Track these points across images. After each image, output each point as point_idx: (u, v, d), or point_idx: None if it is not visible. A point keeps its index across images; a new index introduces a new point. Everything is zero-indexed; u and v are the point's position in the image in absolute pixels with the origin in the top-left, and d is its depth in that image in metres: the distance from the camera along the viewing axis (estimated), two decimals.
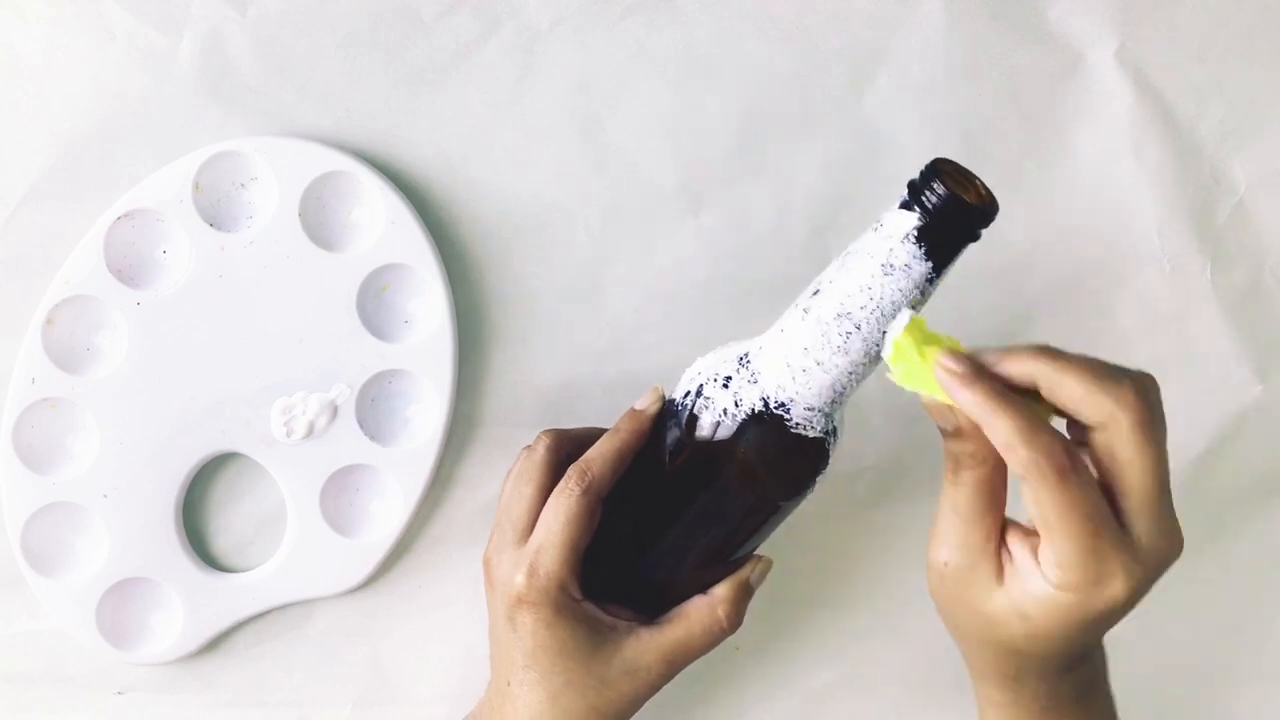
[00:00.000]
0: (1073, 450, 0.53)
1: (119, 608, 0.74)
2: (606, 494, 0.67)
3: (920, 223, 0.57)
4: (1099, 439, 0.54)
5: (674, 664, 0.68)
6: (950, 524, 0.58)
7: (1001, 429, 0.53)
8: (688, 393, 0.65)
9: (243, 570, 0.76)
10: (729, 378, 0.63)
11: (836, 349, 0.60)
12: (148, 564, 0.74)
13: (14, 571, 0.74)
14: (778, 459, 0.64)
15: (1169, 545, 0.56)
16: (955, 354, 0.56)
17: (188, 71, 0.72)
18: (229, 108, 0.72)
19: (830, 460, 0.65)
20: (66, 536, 0.74)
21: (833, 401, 0.62)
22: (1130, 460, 0.54)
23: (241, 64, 0.72)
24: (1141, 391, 0.54)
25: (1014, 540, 0.57)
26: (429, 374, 0.74)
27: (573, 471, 0.67)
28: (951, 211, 0.57)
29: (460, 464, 0.77)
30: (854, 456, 0.78)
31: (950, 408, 0.56)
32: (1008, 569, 0.57)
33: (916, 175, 0.58)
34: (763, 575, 0.70)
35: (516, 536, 0.67)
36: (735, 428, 0.63)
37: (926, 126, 0.77)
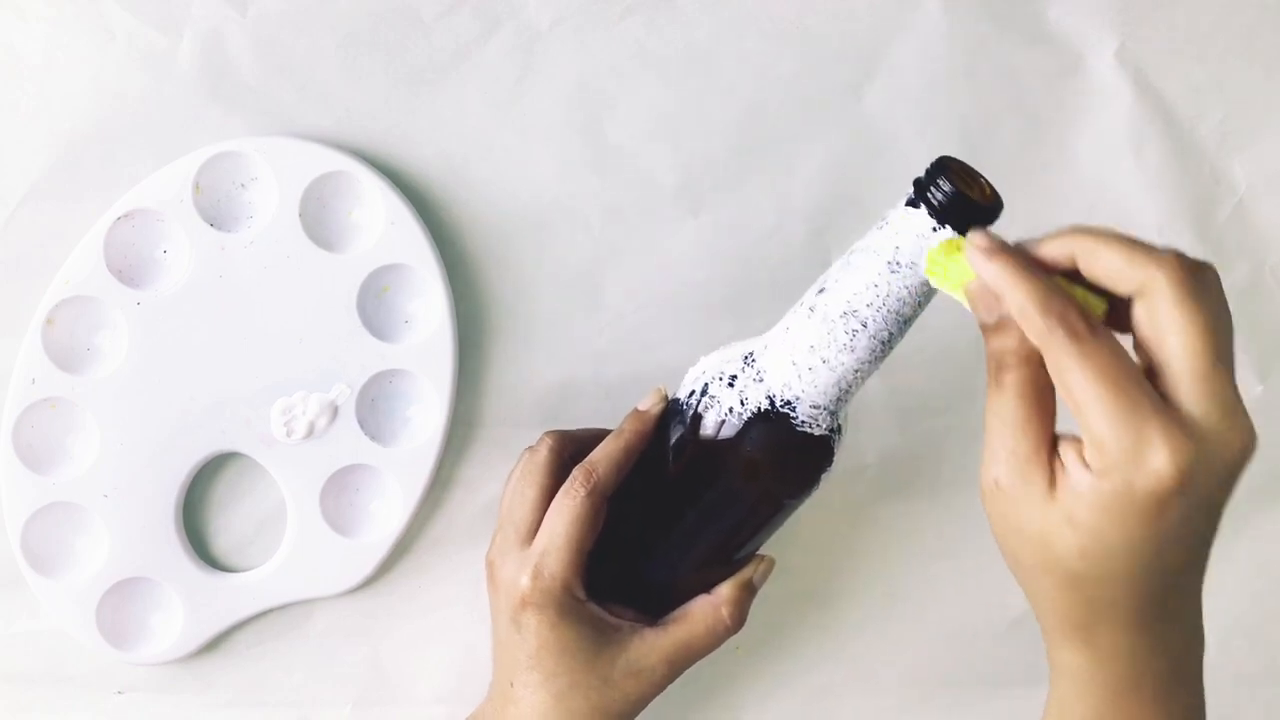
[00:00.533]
0: (1092, 316, 0.50)
1: (119, 608, 0.74)
2: (611, 495, 0.67)
3: (927, 219, 0.57)
4: (1140, 313, 0.50)
5: (678, 664, 0.68)
6: (998, 436, 0.53)
7: (1018, 297, 0.50)
8: (692, 392, 0.66)
9: (243, 570, 0.76)
10: (734, 376, 0.64)
11: (843, 347, 0.60)
12: (148, 564, 0.74)
13: (14, 571, 0.74)
14: (783, 457, 0.64)
15: (1232, 429, 0.49)
16: (982, 232, 0.53)
17: (188, 71, 0.72)
18: (229, 108, 0.72)
19: (835, 458, 0.65)
20: (66, 536, 0.74)
21: (838, 399, 0.62)
22: (1171, 324, 0.49)
23: (241, 64, 0.72)
24: (1184, 258, 0.50)
25: (1066, 448, 0.51)
26: (429, 374, 0.74)
27: (577, 473, 0.67)
28: (958, 208, 0.57)
29: (460, 464, 0.77)
30: (855, 454, 0.78)
31: (995, 296, 0.52)
32: (1059, 479, 0.51)
33: (922, 173, 0.58)
34: (765, 575, 0.70)
35: (520, 538, 0.67)
36: (740, 426, 0.63)
37: (926, 127, 0.77)
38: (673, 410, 0.67)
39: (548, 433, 0.70)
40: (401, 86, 0.73)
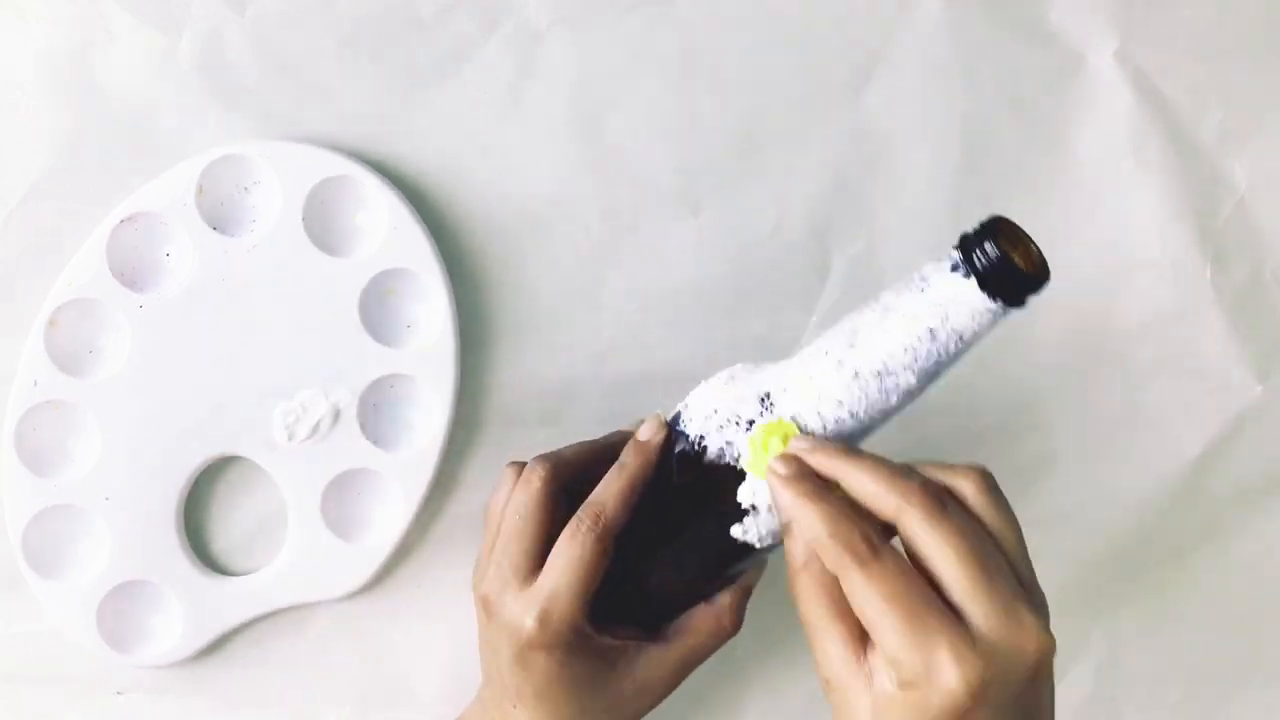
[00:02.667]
0: (878, 537, 0.53)
1: (120, 610, 0.74)
2: (619, 530, 0.65)
3: (974, 290, 0.56)
4: (903, 536, 0.54)
5: (684, 673, 0.68)
6: (814, 639, 0.56)
7: (807, 525, 0.54)
8: (702, 434, 0.63)
9: (244, 574, 0.76)
10: (751, 421, 0.62)
11: (875, 404, 0.59)
12: (149, 566, 0.74)
13: (15, 573, 0.74)
14: None
15: (1020, 634, 0.52)
16: (786, 456, 0.57)
17: (188, 72, 0.72)
18: (229, 108, 0.72)
19: None
20: (68, 539, 0.73)
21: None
22: (929, 548, 0.53)
23: (241, 65, 0.72)
24: (929, 485, 0.54)
25: (873, 651, 0.54)
26: (431, 379, 0.74)
27: (584, 514, 0.64)
28: (1004, 277, 0.56)
29: (461, 466, 0.77)
30: None
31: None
32: (873, 680, 0.53)
33: (971, 233, 0.56)
34: (758, 576, 0.70)
35: (520, 577, 0.65)
36: None
37: (926, 127, 0.77)
38: (678, 442, 0.65)
39: (539, 460, 0.68)
40: (401, 87, 0.73)
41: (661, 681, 0.67)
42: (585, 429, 0.76)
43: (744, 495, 0.61)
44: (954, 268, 0.57)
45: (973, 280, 0.56)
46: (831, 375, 0.60)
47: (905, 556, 0.54)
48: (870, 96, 0.76)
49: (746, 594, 0.69)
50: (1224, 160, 0.78)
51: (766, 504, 0.61)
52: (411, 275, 0.73)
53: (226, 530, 0.76)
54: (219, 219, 0.72)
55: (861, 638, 0.54)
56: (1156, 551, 0.82)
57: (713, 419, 0.63)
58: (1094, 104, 0.77)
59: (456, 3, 0.73)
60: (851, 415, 0.59)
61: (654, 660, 0.67)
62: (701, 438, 0.63)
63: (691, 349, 0.77)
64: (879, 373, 0.58)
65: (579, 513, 0.65)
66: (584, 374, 0.77)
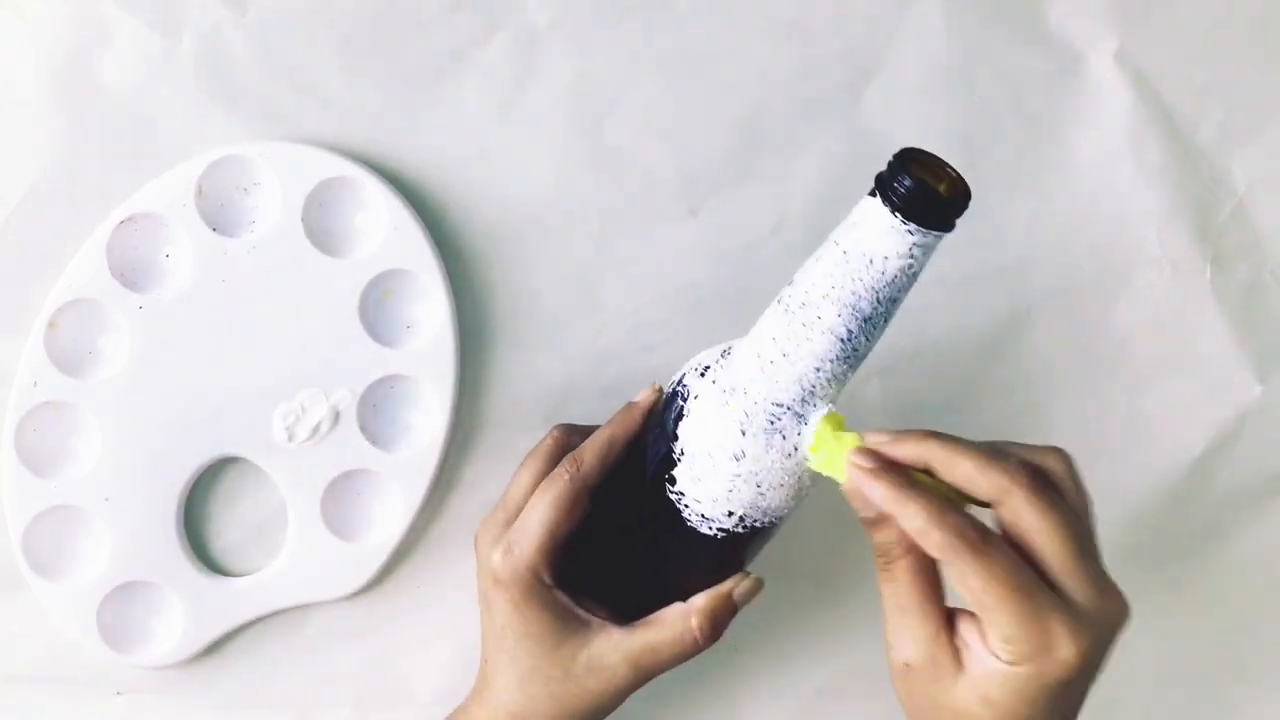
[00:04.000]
0: (982, 525, 0.55)
1: (120, 611, 0.74)
2: (595, 484, 0.66)
3: (886, 213, 0.55)
4: (1004, 516, 0.56)
5: (641, 669, 0.66)
6: (899, 622, 0.58)
7: (912, 516, 0.55)
8: (673, 383, 0.65)
9: (244, 574, 0.76)
10: (707, 368, 0.63)
11: (801, 340, 0.58)
12: (149, 567, 0.74)
13: (15, 574, 0.74)
14: None
15: (1110, 604, 0.56)
16: (864, 450, 0.57)
17: (188, 73, 0.72)
18: (229, 109, 0.72)
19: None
20: (68, 539, 0.74)
21: (801, 399, 0.60)
22: (1036, 529, 0.55)
23: (241, 65, 0.72)
24: (1028, 465, 0.56)
25: (965, 626, 0.57)
26: (431, 379, 0.74)
27: (565, 460, 0.67)
28: (921, 201, 0.55)
29: (461, 467, 0.77)
30: None
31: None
32: (965, 656, 0.56)
33: (884, 166, 0.56)
34: (749, 594, 0.68)
35: (507, 518, 0.68)
36: None
37: (926, 127, 0.77)
38: (661, 405, 0.66)
39: (557, 425, 0.71)
40: (400, 87, 0.73)
41: (614, 665, 0.66)
42: None
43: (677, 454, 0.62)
44: (871, 193, 0.56)
45: (877, 199, 0.56)
46: (769, 314, 0.60)
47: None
48: (870, 96, 0.76)
49: (725, 605, 0.67)
50: (1224, 161, 0.78)
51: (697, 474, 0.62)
52: (411, 276, 0.73)
53: (226, 531, 0.76)
54: (219, 220, 0.72)
55: (949, 620, 0.57)
56: (1156, 552, 0.82)
57: (680, 370, 0.64)
58: (1094, 104, 0.77)
59: (456, 3, 0.73)
60: (784, 355, 0.59)
61: (612, 640, 0.66)
62: (671, 384, 0.64)
63: (691, 349, 0.76)
64: (802, 304, 0.58)
65: (562, 460, 0.67)
66: (584, 374, 0.77)
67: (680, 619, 0.66)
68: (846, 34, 0.75)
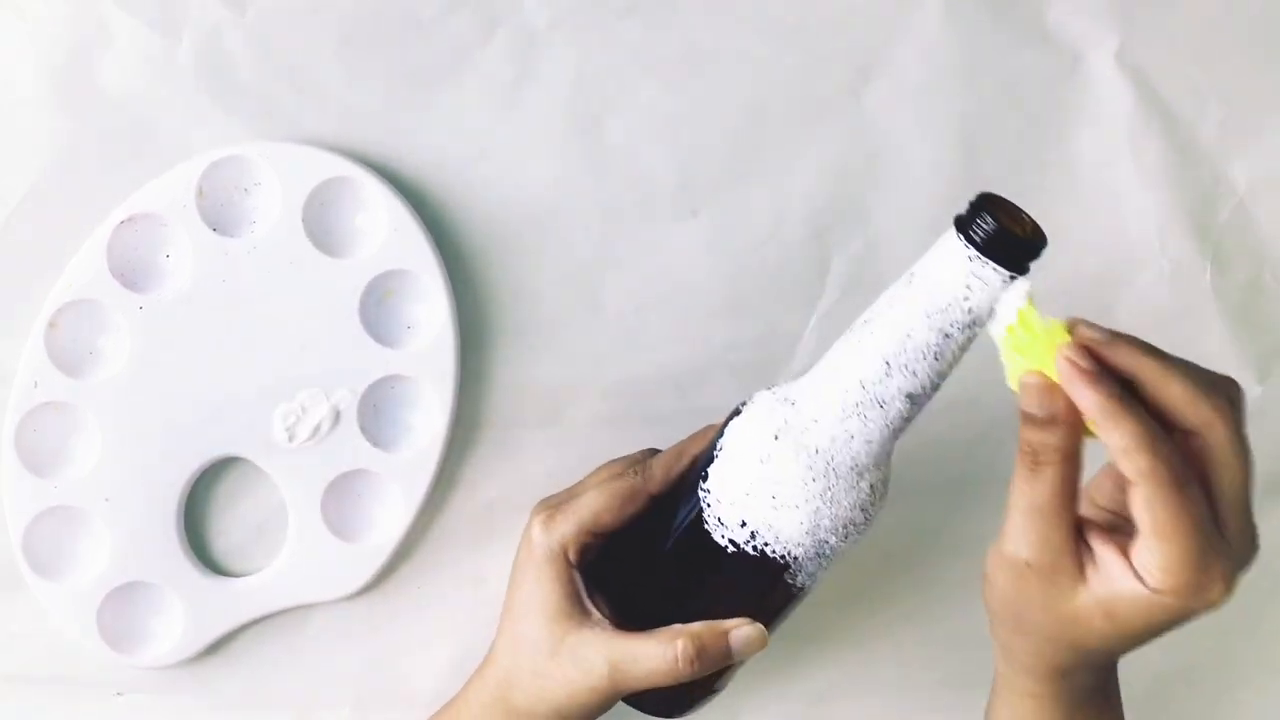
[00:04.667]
0: (1185, 460, 0.54)
1: (120, 611, 0.74)
2: (656, 490, 0.67)
3: (970, 255, 0.56)
4: (1195, 443, 0.55)
5: (618, 673, 0.65)
6: (1030, 522, 0.57)
7: (1124, 434, 0.53)
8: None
9: (244, 575, 0.76)
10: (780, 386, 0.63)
11: (851, 354, 0.59)
12: (149, 568, 0.74)
13: (15, 574, 0.74)
14: None
15: (1252, 547, 0.57)
16: (1081, 348, 0.55)
17: (188, 73, 0.71)
18: (229, 109, 0.72)
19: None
20: (68, 540, 0.74)
21: (841, 419, 0.61)
22: (1227, 464, 0.55)
23: (241, 65, 0.72)
24: (1236, 400, 0.57)
25: (1096, 539, 0.57)
26: (431, 380, 0.74)
27: (636, 456, 0.70)
28: (1002, 244, 0.56)
29: (462, 467, 0.77)
30: None
31: (1051, 393, 0.56)
32: (1089, 568, 0.56)
33: (964, 209, 0.56)
34: (747, 641, 0.65)
35: (564, 499, 0.69)
36: None
37: (926, 127, 0.77)
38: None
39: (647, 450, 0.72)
40: (400, 87, 0.73)
41: (592, 661, 0.65)
42: (585, 430, 0.77)
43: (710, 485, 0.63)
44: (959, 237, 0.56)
45: (971, 250, 0.56)
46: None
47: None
48: (870, 96, 0.76)
49: (719, 643, 0.65)
50: (1224, 161, 0.78)
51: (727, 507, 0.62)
52: (411, 276, 0.73)
53: (227, 531, 0.76)
54: (219, 220, 0.72)
55: (1078, 529, 0.57)
56: None
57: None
58: (1094, 104, 0.77)
59: (456, 3, 0.73)
60: (834, 369, 0.60)
61: (598, 636, 0.65)
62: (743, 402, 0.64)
63: (691, 349, 0.77)
64: (865, 321, 0.59)
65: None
66: (584, 374, 0.77)
67: (668, 635, 0.64)
68: (846, 34, 0.75)
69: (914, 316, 0.58)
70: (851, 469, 0.61)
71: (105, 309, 0.71)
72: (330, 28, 0.72)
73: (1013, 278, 0.56)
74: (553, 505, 0.69)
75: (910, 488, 0.79)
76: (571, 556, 0.67)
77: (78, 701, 0.77)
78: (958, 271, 0.56)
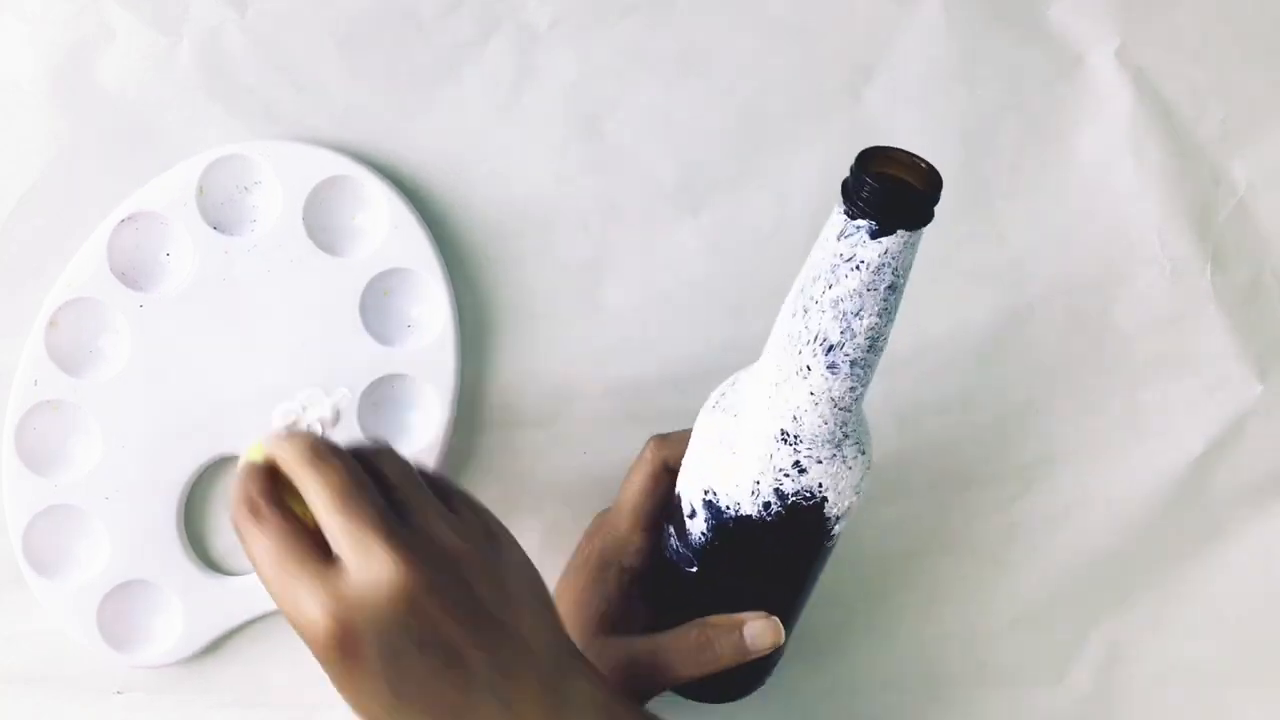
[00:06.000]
0: (266, 498, 0.55)
1: (120, 610, 0.74)
2: (675, 465, 0.68)
3: (861, 221, 0.55)
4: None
5: (642, 671, 0.66)
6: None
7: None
8: None
9: (244, 573, 0.76)
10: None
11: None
12: (149, 566, 0.74)
13: (15, 573, 0.74)
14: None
15: (365, 561, 0.54)
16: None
17: (188, 72, 0.72)
18: (229, 108, 0.72)
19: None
20: (68, 538, 0.74)
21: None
22: (308, 495, 0.55)
23: (241, 64, 0.72)
24: (302, 435, 0.57)
25: None
26: (431, 378, 0.74)
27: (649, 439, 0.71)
28: (882, 198, 0.54)
29: (461, 466, 0.77)
30: None
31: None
32: None
33: (848, 174, 0.55)
34: (763, 635, 0.66)
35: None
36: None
37: (926, 126, 0.77)
38: None
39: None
40: (401, 87, 0.73)
41: (613, 661, 0.66)
42: (585, 429, 0.77)
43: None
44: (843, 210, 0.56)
45: (840, 206, 0.55)
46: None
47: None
48: (870, 96, 0.76)
49: (733, 640, 0.66)
50: (1224, 160, 0.78)
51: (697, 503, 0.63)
52: (412, 275, 0.73)
53: (227, 530, 0.76)
54: (219, 219, 0.72)
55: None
56: (1156, 551, 0.82)
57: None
58: (1094, 104, 0.77)
59: (457, 3, 0.73)
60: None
61: (621, 640, 0.67)
62: None
63: (691, 349, 0.77)
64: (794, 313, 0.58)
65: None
66: (584, 374, 0.77)
67: (682, 630, 0.66)
68: (846, 34, 0.75)
69: (813, 266, 0.57)
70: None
71: (105, 308, 0.71)
72: (330, 27, 0.72)
73: (876, 226, 0.55)
74: (602, 514, 0.72)
75: (910, 487, 0.79)
76: (625, 561, 0.68)
77: (78, 701, 0.77)
78: (832, 224, 0.56)
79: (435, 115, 0.74)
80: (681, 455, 0.68)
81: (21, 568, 0.73)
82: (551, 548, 0.77)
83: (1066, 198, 0.78)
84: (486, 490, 0.77)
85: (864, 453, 0.62)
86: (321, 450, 0.56)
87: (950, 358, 0.78)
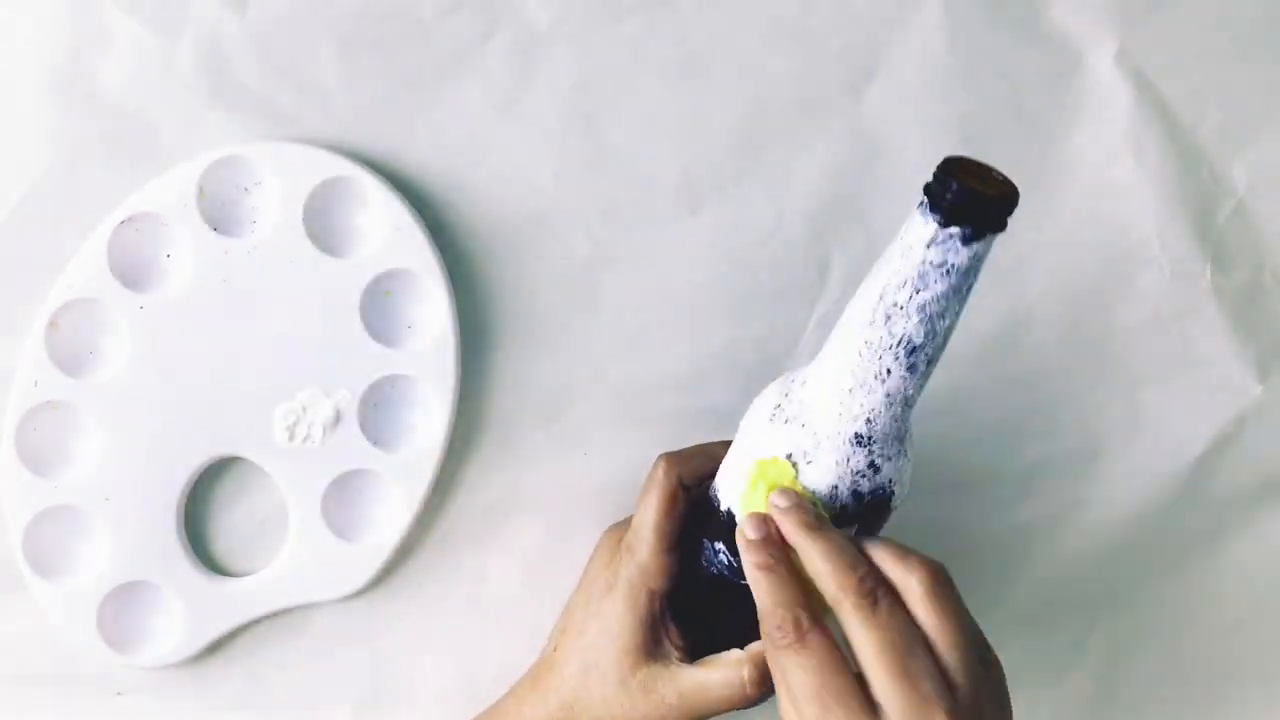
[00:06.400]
0: (810, 619, 0.58)
1: (120, 611, 0.74)
2: (690, 481, 0.68)
3: (940, 224, 0.56)
4: (840, 622, 0.58)
5: (688, 703, 0.67)
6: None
7: (756, 590, 0.59)
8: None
9: (244, 574, 0.76)
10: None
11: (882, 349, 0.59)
12: (149, 567, 0.74)
13: (15, 573, 0.74)
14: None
15: (993, 710, 0.58)
16: (755, 518, 0.60)
17: (188, 73, 0.71)
18: (229, 109, 0.72)
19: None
20: (68, 539, 0.74)
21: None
22: (857, 642, 0.57)
23: (241, 65, 0.72)
24: (866, 580, 0.58)
25: None
26: (432, 379, 0.74)
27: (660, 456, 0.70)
28: (966, 206, 0.55)
29: (462, 467, 0.77)
30: None
31: (766, 521, 0.60)
32: None
33: (931, 178, 0.56)
34: None
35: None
36: None
37: (926, 127, 0.77)
38: None
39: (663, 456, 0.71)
40: (401, 87, 0.73)
41: (663, 694, 0.67)
42: (585, 429, 0.77)
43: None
44: (920, 211, 0.56)
45: (927, 214, 0.56)
46: (834, 345, 0.60)
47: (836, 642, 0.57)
48: (870, 96, 0.76)
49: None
50: (1224, 161, 0.78)
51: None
52: (412, 276, 0.73)
53: (227, 531, 0.76)
54: (219, 220, 0.72)
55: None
56: (1156, 552, 0.82)
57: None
58: (1094, 104, 0.77)
59: (457, 3, 0.73)
60: (856, 379, 0.59)
61: (669, 669, 0.67)
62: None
63: (691, 349, 0.77)
64: (869, 320, 0.58)
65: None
66: (584, 374, 0.77)
67: (734, 664, 0.66)
68: (846, 34, 0.75)
69: (891, 273, 0.57)
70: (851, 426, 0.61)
71: (105, 309, 0.71)
72: (330, 28, 0.72)
73: (970, 232, 0.56)
74: (620, 531, 0.71)
75: (916, 484, 0.79)
76: (653, 585, 0.68)
77: (78, 701, 0.77)
78: (920, 232, 0.56)
79: (435, 115, 0.74)
80: (695, 472, 0.68)
81: (21, 569, 0.73)
82: (552, 548, 0.77)
83: (1066, 198, 0.78)
84: (487, 491, 0.77)
85: (913, 445, 0.64)
86: (878, 597, 0.57)
87: (950, 358, 0.77)
